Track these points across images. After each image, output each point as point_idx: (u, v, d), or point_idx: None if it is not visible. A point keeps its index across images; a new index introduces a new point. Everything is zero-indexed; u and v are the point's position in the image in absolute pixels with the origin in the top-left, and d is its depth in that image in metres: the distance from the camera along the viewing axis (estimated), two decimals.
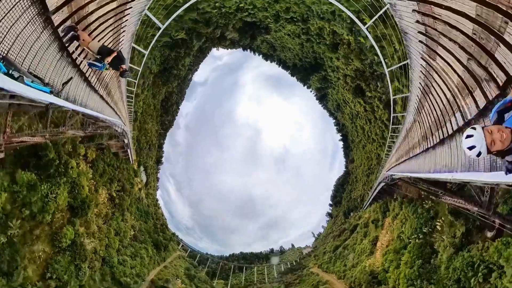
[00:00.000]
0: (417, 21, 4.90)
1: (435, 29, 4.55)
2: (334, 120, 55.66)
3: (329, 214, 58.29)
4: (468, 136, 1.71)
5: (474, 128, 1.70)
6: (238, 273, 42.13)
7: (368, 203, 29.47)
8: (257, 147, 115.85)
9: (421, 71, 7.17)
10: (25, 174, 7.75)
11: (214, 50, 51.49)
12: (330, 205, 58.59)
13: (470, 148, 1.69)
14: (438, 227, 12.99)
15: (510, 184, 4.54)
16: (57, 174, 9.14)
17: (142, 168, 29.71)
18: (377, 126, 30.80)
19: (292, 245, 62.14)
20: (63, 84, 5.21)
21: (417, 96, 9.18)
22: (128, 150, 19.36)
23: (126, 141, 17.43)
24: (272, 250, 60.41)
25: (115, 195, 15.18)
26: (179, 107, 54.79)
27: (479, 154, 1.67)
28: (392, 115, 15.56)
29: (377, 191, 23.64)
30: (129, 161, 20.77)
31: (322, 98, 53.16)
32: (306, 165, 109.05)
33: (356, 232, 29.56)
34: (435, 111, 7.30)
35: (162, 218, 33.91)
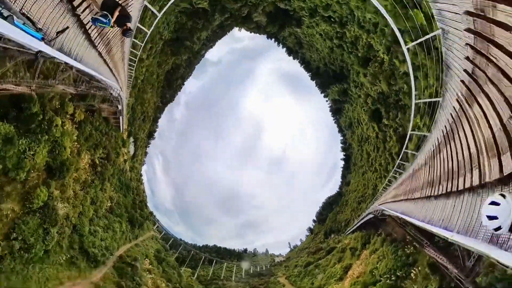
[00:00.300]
0: (467, 58, 4.44)
1: (485, 73, 4.11)
2: (342, 138, 55.16)
3: (310, 229, 59.17)
4: (494, 203, 1.44)
5: (504, 196, 1.45)
6: (207, 265, 42.77)
7: (351, 230, 29.66)
8: (256, 144, 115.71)
9: (451, 114, 6.74)
10: (3, 125, 7.29)
11: (235, 30, 48.40)
12: (314, 221, 59.32)
13: (491, 217, 1.43)
14: (412, 275, 13.00)
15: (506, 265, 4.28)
16: (39, 130, 8.66)
17: (131, 139, 28.81)
18: (384, 156, 30.39)
19: (266, 250, 63.64)
20: (57, 33, 4.78)
21: (437, 139, 8.77)
22: (120, 117, 18.73)
23: (119, 107, 16.83)
24: (245, 250, 61.71)
25: (98, 162, 14.66)
26: (184, 83, 52.68)
27: (498, 229, 1.42)
28: (403, 150, 15.15)
29: (364, 220, 23.64)
30: (119, 129, 20.10)
31: (336, 111, 52.33)
32: (301, 175, 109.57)
33: (331, 254, 29.98)
34: (452, 161, 6.93)
35: (143, 194, 33.37)
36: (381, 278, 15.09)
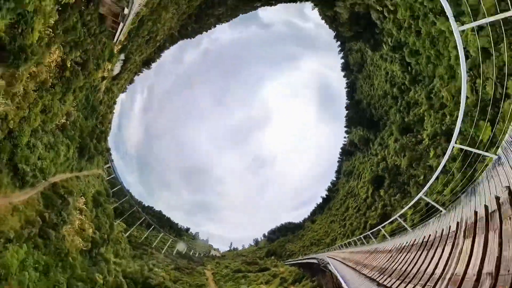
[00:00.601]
0: (497, 197, 4.53)
1: (501, 222, 4.23)
2: (335, 179, 56.01)
3: (256, 241, 62.32)
4: None
5: None
6: (144, 228, 42.21)
7: (291, 262, 31.50)
8: (253, 133, 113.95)
9: (442, 229, 6.97)
10: None
11: (308, 4, 42.48)
12: (264, 236, 62.31)
13: None
14: None
15: None
16: None
17: (122, 56, 23.83)
18: (358, 220, 31.37)
19: (207, 239, 66.42)
20: None
21: (414, 240, 9.14)
22: (121, 24, 14.93)
23: (126, 11, 13.51)
24: (187, 229, 63.48)
25: (69, 65, 11.72)
26: (216, 25, 43.30)
27: None
28: (379, 227, 15.69)
29: (307, 261, 24.98)
30: (113, 39, 16.22)
31: (346, 153, 52.49)
32: (277, 187, 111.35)
33: (263, 273, 31.82)
34: (413, 266, 7.32)
35: (108, 125, 28.11)
36: None
